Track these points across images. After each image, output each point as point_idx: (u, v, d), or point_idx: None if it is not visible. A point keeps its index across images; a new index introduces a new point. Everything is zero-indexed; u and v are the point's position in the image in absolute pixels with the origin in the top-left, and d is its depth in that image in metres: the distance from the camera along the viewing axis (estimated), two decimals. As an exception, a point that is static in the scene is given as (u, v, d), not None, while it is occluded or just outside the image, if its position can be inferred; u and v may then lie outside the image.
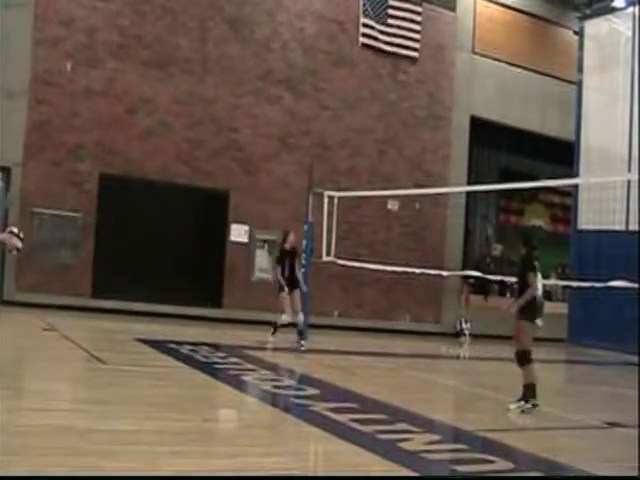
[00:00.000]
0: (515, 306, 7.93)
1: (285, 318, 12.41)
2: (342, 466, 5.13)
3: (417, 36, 18.98)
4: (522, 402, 7.71)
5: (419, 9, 18.98)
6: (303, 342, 12.31)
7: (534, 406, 7.79)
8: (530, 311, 7.89)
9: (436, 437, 6.35)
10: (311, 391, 7.89)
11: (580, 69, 18.64)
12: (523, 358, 7.84)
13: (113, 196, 15.27)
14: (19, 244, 6.43)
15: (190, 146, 16.23)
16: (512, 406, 7.71)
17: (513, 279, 18.40)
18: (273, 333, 12.41)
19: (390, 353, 14.10)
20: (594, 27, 18.50)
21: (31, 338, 10.19)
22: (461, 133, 19.99)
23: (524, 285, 7.92)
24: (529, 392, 7.72)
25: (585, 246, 17.82)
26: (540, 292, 15.27)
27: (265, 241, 17.03)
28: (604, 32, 18.18)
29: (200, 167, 16.30)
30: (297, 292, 12.54)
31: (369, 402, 7.71)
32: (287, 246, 12.69)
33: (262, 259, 17.02)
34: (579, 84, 18.63)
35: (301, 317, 12.44)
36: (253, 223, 16.81)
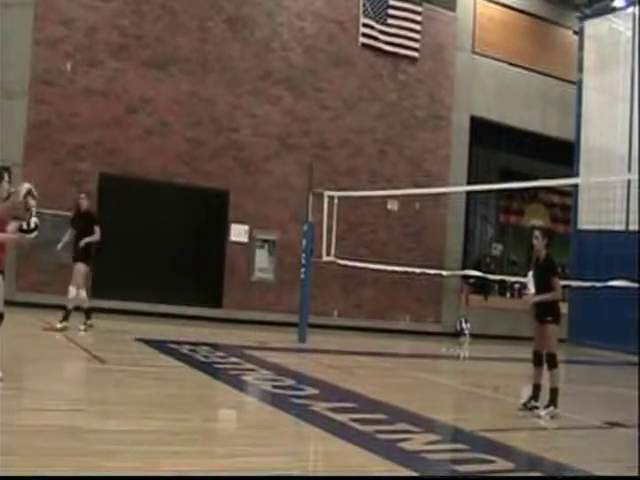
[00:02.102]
0: (536, 299, 7.84)
1: (71, 293, 11.02)
2: (342, 466, 5.12)
3: (417, 36, 18.98)
4: (551, 407, 7.61)
5: (419, 9, 18.99)
6: (82, 327, 10.99)
7: (537, 408, 7.79)
8: (558, 315, 7.86)
9: (436, 437, 6.34)
10: (311, 391, 7.89)
11: (580, 69, 18.65)
12: (554, 361, 7.75)
13: (113, 196, 15.26)
14: (29, 237, 6.66)
15: (190, 146, 16.23)
16: (542, 412, 7.60)
17: (513, 279, 18.65)
18: (65, 318, 10.94)
19: (390, 353, 14.10)
20: (594, 27, 18.51)
21: (31, 338, 10.18)
22: (461, 133, 19.99)
23: (546, 288, 7.79)
24: (556, 396, 7.66)
25: (585, 246, 17.82)
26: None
27: (265, 241, 17.04)
28: (604, 32, 18.19)
29: (200, 167, 16.29)
30: (79, 265, 11.09)
31: (369, 402, 7.71)
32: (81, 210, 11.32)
33: (262, 259, 17.03)
34: (579, 84, 18.64)
35: (75, 294, 11.03)
36: (253, 223, 16.81)
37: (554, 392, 7.68)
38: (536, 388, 7.93)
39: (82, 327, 11.08)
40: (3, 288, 6.68)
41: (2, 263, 6.81)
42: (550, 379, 7.77)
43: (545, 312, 7.82)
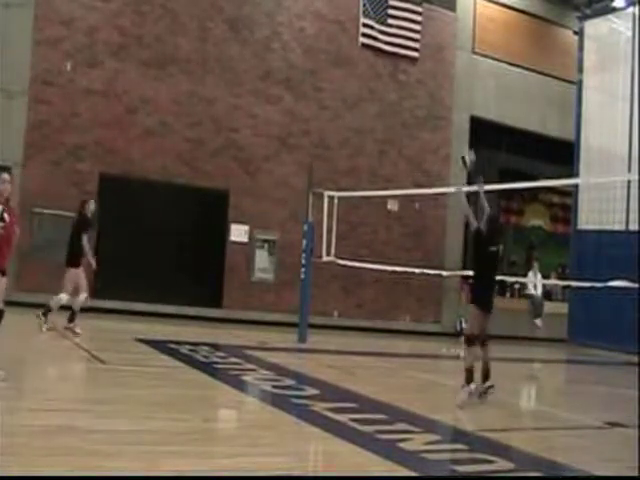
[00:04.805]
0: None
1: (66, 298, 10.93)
2: (342, 466, 5.12)
3: (417, 36, 18.99)
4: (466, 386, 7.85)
5: (419, 9, 18.99)
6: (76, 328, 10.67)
7: (489, 388, 7.96)
8: (481, 299, 8.27)
9: (436, 437, 6.34)
10: (311, 391, 7.89)
11: (580, 69, 18.63)
12: (466, 340, 8.14)
13: (113, 196, 15.26)
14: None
15: (190, 146, 16.23)
16: (462, 391, 7.85)
17: (513, 279, 18.64)
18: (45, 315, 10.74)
19: (390, 353, 14.09)
20: (594, 27, 18.49)
21: (31, 338, 10.19)
22: (461, 133, 19.98)
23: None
24: (469, 375, 7.86)
25: (585, 246, 17.80)
26: (539, 291, 15.24)
27: (265, 241, 17.04)
28: (604, 32, 18.18)
29: (200, 167, 16.30)
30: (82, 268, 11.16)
31: (369, 402, 7.70)
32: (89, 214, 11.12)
33: (262, 259, 17.03)
34: (579, 84, 18.62)
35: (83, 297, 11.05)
36: (253, 223, 16.81)
37: (466, 371, 7.89)
38: (479, 372, 8.08)
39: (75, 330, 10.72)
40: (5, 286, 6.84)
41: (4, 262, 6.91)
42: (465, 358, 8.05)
43: (472, 296, 8.52)
